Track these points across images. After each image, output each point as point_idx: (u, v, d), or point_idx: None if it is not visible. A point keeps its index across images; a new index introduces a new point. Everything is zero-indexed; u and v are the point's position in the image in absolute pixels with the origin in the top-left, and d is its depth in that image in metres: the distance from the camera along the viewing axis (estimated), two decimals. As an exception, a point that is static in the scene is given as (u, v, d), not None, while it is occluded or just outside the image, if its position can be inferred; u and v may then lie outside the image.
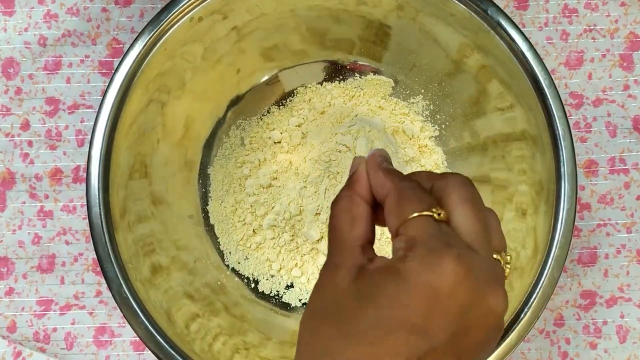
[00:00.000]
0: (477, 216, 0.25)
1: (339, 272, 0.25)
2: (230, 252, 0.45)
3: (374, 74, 0.46)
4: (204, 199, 0.46)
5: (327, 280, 0.25)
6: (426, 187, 0.26)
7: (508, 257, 0.26)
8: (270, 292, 0.45)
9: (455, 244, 0.24)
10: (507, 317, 0.37)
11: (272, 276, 0.45)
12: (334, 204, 0.28)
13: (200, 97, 0.45)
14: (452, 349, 0.23)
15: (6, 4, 0.47)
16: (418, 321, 0.23)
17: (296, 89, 0.47)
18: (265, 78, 0.46)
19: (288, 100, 0.47)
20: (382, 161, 0.28)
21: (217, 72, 0.44)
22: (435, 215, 0.24)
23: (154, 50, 0.39)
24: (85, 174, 0.40)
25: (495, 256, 0.25)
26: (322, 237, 0.44)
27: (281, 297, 0.45)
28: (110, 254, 0.37)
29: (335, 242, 0.26)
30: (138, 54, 0.39)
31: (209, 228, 0.45)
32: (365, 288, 0.24)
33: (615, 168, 0.46)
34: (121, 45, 0.47)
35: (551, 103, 0.37)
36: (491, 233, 0.26)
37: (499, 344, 0.36)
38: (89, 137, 0.39)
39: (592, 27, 0.47)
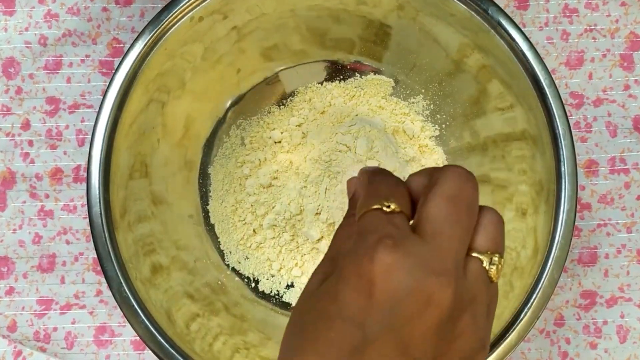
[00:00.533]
0: (450, 209, 0.23)
1: (314, 277, 0.25)
2: (230, 252, 0.45)
3: (374, 74, 0.46)
4: (204, 198, 0.46)
5: (305, 286, 0.26)
6: (423, 182, 0.25)
7: (495, 258, 0.24)
8: (271, 292, 0.45)
9: (396, 234, 0.23)
10: (508, 317, 0.37)
11: (273, 276, 0.45)
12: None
13: (200, 97, 0.45)
14: (393, 340, 0.22)
15: (7, 3, 0.47)
16: (351, 312, 0.22)
17: (296, 88, 0.47)
18: (266, 77, 0.46)
19: (288, 100, 0.47)
20: (368, 169, 0.28)
21: (217, 72, 0.44)
22: (383, 207, 0.24)
23: (154, 50, 0.39)
24: (85, 174, 0.40)
25: (475, 255, 0.24)
26: (322, 236, 0.44)
27: (281, 296, 0.45)
28: (111, 253, 0.37)
29: (325, 255, 0.27)
30: (138, 54, 0.39)
31: (209, 228, 0.45)
32: (321, 287, 0.24)
33: (616, 168, 0.46)
34: (121, 45, 0.47)
35: (551, 103, 0.37)
36: (477, 231, 0.24)
37: (499, 344, 0.36)
38: (90, 136, 0.39)
39: (592, 27, 0.47)
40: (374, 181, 0.26)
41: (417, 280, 0.22)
